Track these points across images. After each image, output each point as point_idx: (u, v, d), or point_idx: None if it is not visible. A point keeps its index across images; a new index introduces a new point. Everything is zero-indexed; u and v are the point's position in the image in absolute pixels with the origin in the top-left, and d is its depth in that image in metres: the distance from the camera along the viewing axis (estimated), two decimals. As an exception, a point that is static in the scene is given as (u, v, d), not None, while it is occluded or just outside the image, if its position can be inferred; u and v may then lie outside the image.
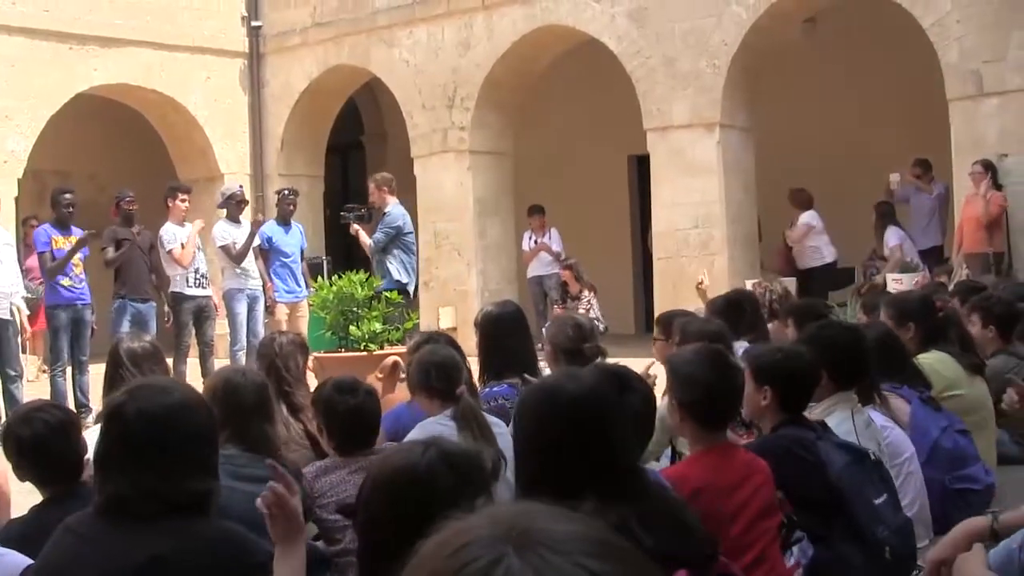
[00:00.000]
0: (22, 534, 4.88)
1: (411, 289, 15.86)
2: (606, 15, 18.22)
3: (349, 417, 5.74)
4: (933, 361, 7.83)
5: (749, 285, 12.95)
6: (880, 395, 6.71)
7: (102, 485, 3.83)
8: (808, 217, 18.04)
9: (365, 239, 15.80)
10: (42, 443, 5.16)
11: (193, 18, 21.46)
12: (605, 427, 3.83)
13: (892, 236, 17.27)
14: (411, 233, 15.98)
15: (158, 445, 3.76)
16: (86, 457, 5.06)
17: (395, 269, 15.41)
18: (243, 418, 5.55)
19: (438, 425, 6.00)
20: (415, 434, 5.90)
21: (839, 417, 6.07)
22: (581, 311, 18.30)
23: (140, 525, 3.72)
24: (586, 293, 18.66)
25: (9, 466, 5.41)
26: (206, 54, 21.67)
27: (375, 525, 3.34)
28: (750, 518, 4.92)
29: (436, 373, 6.39)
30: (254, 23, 22.22)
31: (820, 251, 18.00)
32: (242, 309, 16.04)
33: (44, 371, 16.95)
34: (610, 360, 7.00)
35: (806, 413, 5.87)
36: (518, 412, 4.10)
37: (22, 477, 5.41)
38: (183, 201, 15.89)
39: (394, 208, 15.73)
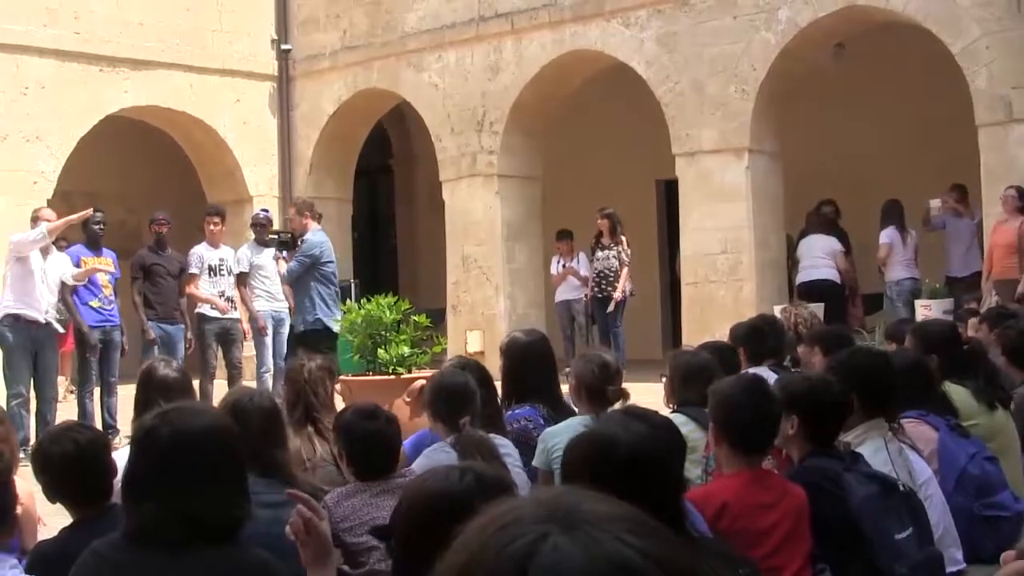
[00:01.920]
0: (49, 556, 4.87)
1: (334, 327, 14.51)
2: (635, 40, 18.23)
3: (368, 443, 5.74)
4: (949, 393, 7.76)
5: (777, 310, 12.90)
6: (898, 423, 6.66)
7: (132, 509, 3.82)
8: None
9: (281, 268, 15.41)
10: (72, 463, 5.13)
11: (223, 41, 21.54)
12: (658, 477, 3.84)
13: (884, 235, 17.21)
14: (331, 262, 15.07)
15: (190, 469, 3.74)
16: (115, 479, 5.06)
17: (317, 304, 14.76)
18: (251, 443, 5.55)
19: (442, 454, 6.01)
20: (421, 462, 5.93)
21: (873, 446, 6.03)
22: (612, 259, 18.34)
23: (169, 553, 3.69)
24: (617, 246, 18.60)
25: (38, 487, 5.41)
26: (236, 77, 21.74)
27: (411, 548, 3.32)
28: (779, 541, 4.91)
29: (443, 398, 6.42)
30: (284, 46, 22.29)
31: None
32: (267, 331, 16.05)
33: (72, 392, 16.98)
34: (632, 392, 7.03)
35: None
36: (567, 459, 4.09)
37: (51, 498, 5.37)
38: (215, 224, 15.93)
39: (313, 235, 14.99)
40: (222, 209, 16.80)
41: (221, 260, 15.78)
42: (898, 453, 6.10)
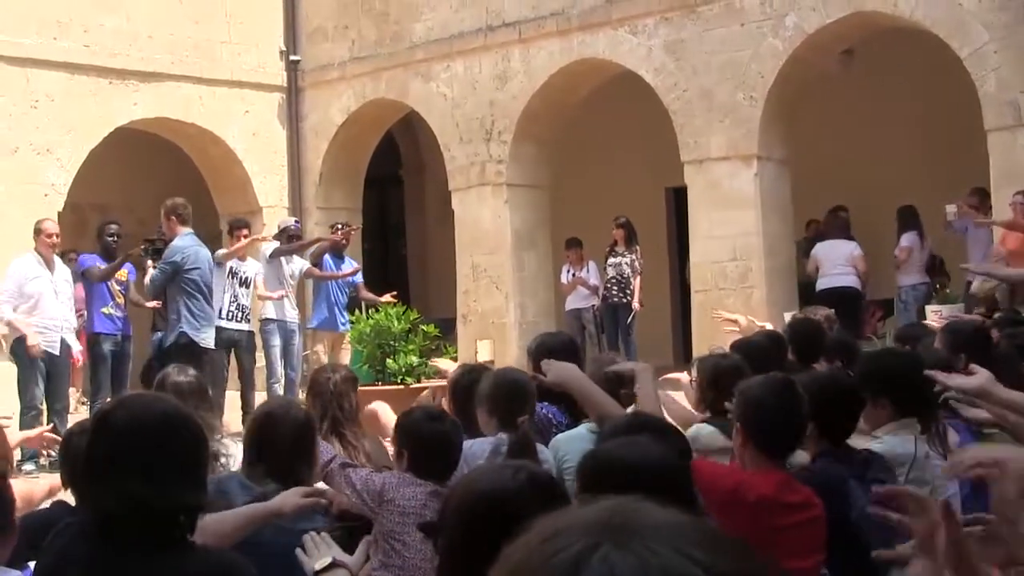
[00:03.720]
0: (34, 524, 4.96)
1: (206, 343, 13.86)
2: (643, 48, 18.24)
3: (432, 445, 5.74)
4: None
5: (788, 317, 12.89)
6: (938, 427, 6.57)
7: (88, 497, 3.81)
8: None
9: (146, 280, 14.49)
10: None
11: (232, 53, 21.57)
12: (668, 494, 3.84)
13: (905, 239, 17.28)
14: (196, 269, 13.79)
15: (147, 453, 3.71)
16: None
17: (183, 316, 13.69)
18: (280, 454, 5.55)
19: (483, 448, 6.01)
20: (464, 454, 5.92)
21: (901, 438, 6.03)
22: (625, 266, 18.41)
23: (138, 553, 3.65)
24: (631, 254, 18.67)
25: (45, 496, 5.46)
26: (245, 88, 21.77)
27: (461, 545, 3.28)
28: (797, 547, 4.91)
29: (507, 394, 6.41)
30: (292, 57, 22.31)
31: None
32: (277, 341, 16.09)
33: (83, 403, 17.01)
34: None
35: (867, 441, 5.85)
36: (579, 480, 4.10)
37: (65, 485, 5.57)
38: (245, 236, 15.99)
39: (179, 240, 13.85)
40: (249, 221, 16.90)
41: (238, 269, 15.82)
42: (924, 456, 6.07)
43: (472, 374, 7.24)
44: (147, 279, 14.19)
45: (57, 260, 14.41)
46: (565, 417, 7.32)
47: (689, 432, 6.74)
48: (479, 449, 6.13)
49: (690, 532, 1.51)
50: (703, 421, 7.06)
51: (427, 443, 5.77)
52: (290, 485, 5.34)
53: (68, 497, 5.71)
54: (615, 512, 1.54)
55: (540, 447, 6.46)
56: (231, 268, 15.69)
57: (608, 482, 3.85)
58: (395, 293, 16.35)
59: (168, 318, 13.96)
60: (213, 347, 13.94)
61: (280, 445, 5.58)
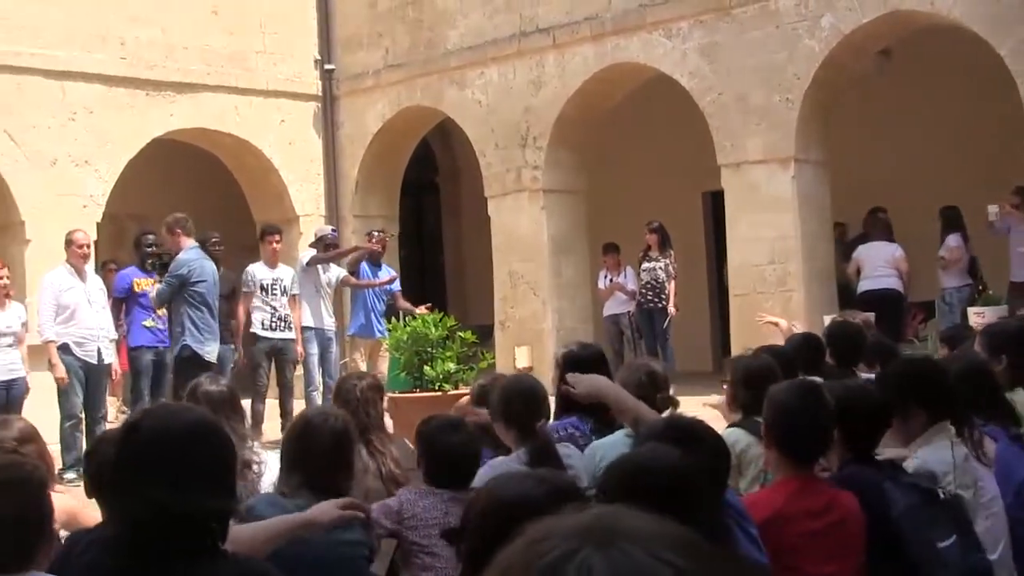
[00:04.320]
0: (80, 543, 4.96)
1: (209, 356, 13.79)
2: (677, 51, 18.18)
3: (448, 455, 5.75)
4: (1018, 401, 7.51)
5: (827, 320, 12.83)
6: (971, 432, 6.49)
7: (116, 508, 3.80)
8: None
9: (152, 293, 14.43)
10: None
11: (267, 62, 21.62)
12: (692, 503, 3.83)
13: (952, 240, 17.21)
14: (202, 282, 13.83)
15: (174, 461, 3.69)
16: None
17: (187, 329, 13.69)
18: (317, 463, 5.54)
19: (513, 466, 6.00)
20: (485, 472, 5.91)
21: (937, 445, 5.97)
22: (659, 271, 18.40)
23: (159, 567, 3.64)
24: (665, 259, 18.65)
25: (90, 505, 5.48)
26: (280, 98, 21.81)
27: (483, 553, 3.27)
28: (829, 550, 4.87)
29: (518, 402, 6.41)
30: (327, 66, 22.34)
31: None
32: (314, 349, 16.12)
33: (123, 412, 17.05)
34: (683, 404, 7.00)
35: (907, 449, 5.81)
36: (604, 484, 4.08)
37: (89, 494, 5.58)
38: (277, 243, 16.05)
39: (185, 254, 13.89)
40: (281, 228, 16.93)
41: (275, 279, 15.87)
42: (963, 459, 6.00)
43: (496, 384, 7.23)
44: (153, 292, 14.13)
45: (89, 270, 14.47)
46: (588, 427, 7.28)
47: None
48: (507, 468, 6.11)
49: (667, 538, 1.59)
50: (733, 424, 7.03)
51: (442, 453, 5.78)
52: (328, 495, 5.33)
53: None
54: (599, 519, 1.62)
55: (566, 450, 6.45)
56: (267, 283, 15.74)
57: (625, 488, 3.84)
58: (431, 305, 16.33)
59: (172, 331, 13.92)
60: (215, 360, 13.83)
61: (318, 454, 5.57)
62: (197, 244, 14.02)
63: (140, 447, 3.77)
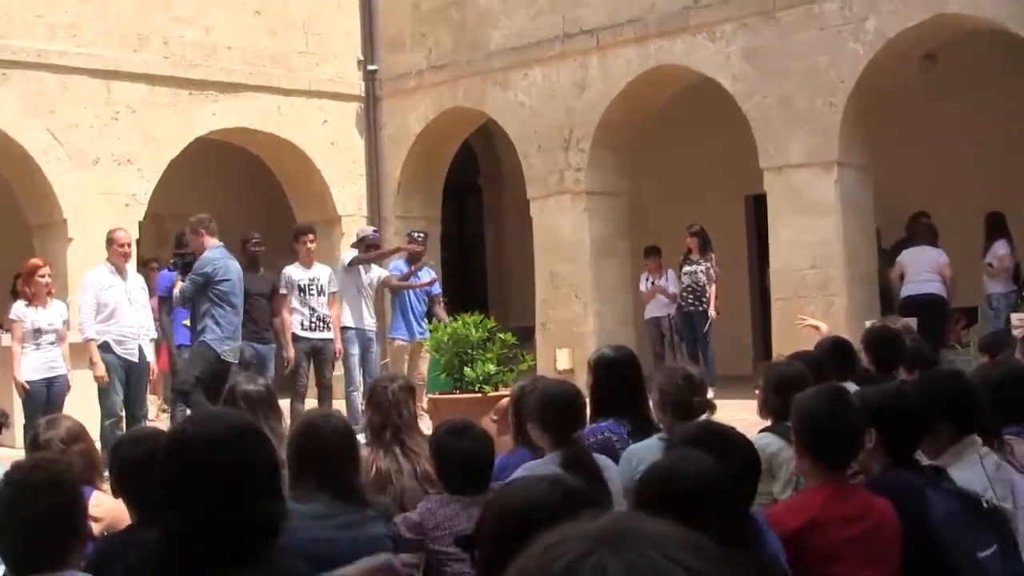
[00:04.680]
0: (112, 550, 5.01)
1: (227, 355, 13.72)
2: (721, 54, 18.12)
3: (459, 461, 5.74)
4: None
5: (868, 325, 12.76)
6: (1000, 439, 6.46)
7: (166, 517, 3.80)
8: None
9: (175, 291, 14.39)
10: (142, 465, 5.23)
11: (310, 63, 21.66)
12: (721, 508, 3.82)
13: (1000, 246, 17.10)
14: (227, 281, 13.77)
15: (222, 470, 3.69)
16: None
17: (208, 327, 13.65)
18: (327, 464, 5.53)
19: (545, 469, 5.99)
20: (520, 475, 5.89)
21: (968, 462, 5.91)
22: (700, 274, 18.35)
23: (205, 570, 3.65)
24: (706, 262, 18.60)
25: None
26: (323, 98, 21.85)
27: (496, 558, 3.26)
28: (862, 556, 4.83)
29: (556, 409, 6.39)
30: (370, 67, 22.36)
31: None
32: (355, 350, 16.13)
33: (164, 411, 17.11)
34: (720, 409, 6.97)
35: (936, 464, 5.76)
36: (638, 488, 4.07)
37: (116, 494, 5.62)
38: (311, 243, 16.06)
39: (210, 252, 13.84)
40: (315, 228, 16.95)
41: (311, 280, 15.88)
42: (995, 468, 5.94)
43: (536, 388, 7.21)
44: (176, 290, 14.11)
45: (130, 268, 14.50)
46: (625, 430, 7.26)
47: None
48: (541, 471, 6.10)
49: (681, 540, 1.61)
50: (764, 429, 7.00)
51: (451, 460, 5.78)
52: (344, 494, 5.34)
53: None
54: (615, 523, 1.65)
55: (602, 459, 6.43)
56: (304, 284, 15.77)
57: (658, 492, 3.82)
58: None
59: (194, 327, 13.88)
60: (234, 360, 13.78)
61: (327, 454, 5.55)
62: (221, 244, 13.97)
63: (187, 457, 3.77)
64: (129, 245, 14.52)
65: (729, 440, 4.76)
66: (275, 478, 3.88)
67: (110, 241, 14.33)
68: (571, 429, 6.34)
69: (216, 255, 13.78)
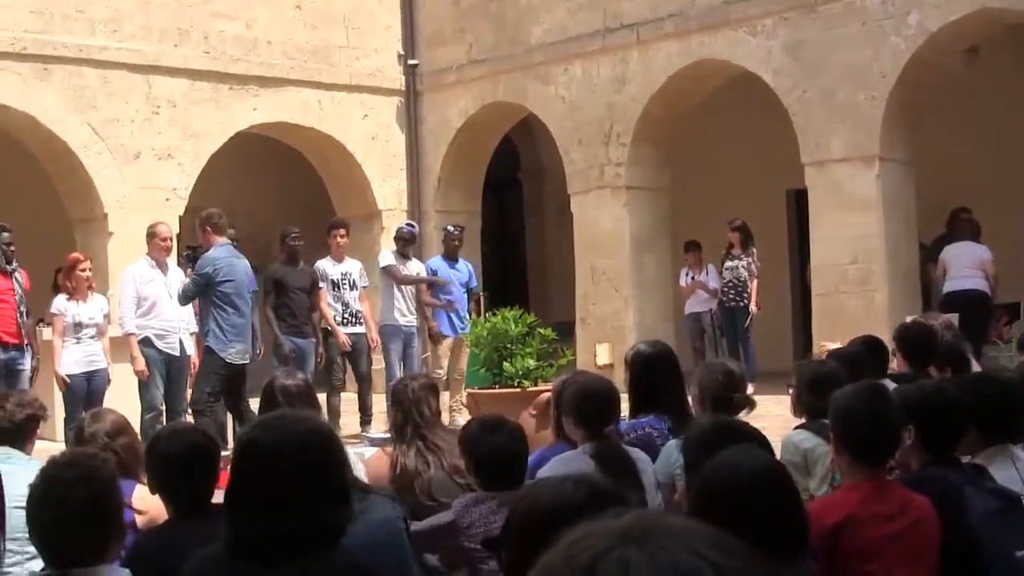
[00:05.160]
0: (149, 548, 5.10)
1: (233, 359, 13.28)
2: (762, 48, 18.06)
3: (491, 456, 5.73)
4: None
5: (909, 321, 12.68)
6: None
7: (233, 518, 3.81)
8: None
9: (178, 290, 13.97)
10: (179, 462, 5.31)
11: (350, 57, 21.70)
12: (778, 501, 3.80)
13: None
14: (230, 282, 13.24)
15: (293, 477, 3.72)
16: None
17: (211, 331, 13.21)
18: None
19: (577, 460, 6.01)
20: (554, 466, 5.89)
21: (999, 466, 5.87)
22: (741, 269, 18.28)
23: (264, 564, 3.68)
24: (748, 257, 18.51)
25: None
26: (363, 92, 21.88)
27: (522, 559, 3.25)
28: (900, 554, 4.80)
29: (590, 403, 6.39)
30: (411, 61, 22.38)
31: None
32: (395, 345, 16.12)
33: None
34: (762, 403, 6.95)
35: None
36: (695, 486, 4.05)
37: (153, 489, 5.60)
38: (342, 237, 16.04)
39: (213, 251, 13.38)
40: (347, 222, 16.92)
41: (344, 274, 15.87)
42: None
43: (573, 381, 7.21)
44: (179, 289, 13.79)
45: (171, 263, 14.52)
46: (666, 425, 7.24)
47: (785, 439, 6.69)
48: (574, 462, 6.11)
49: (702, 535, 1.63)
50: (800, 426, 6.97)
51: (483, 455, 5.77)
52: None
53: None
54: (638, 520, 1.66)
55: (636, 452, 6.43)
56: (336, 278, 15.77)
57: (721, 490, 3.80)
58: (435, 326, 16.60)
59: (200, 330, 13.57)
60: (242, 362, 13.50)
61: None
62: (228, 242, 13.60)
63: (256, 462, 3.82)
64: (170, 239, 14.55)
65: (746, 437, 4.75)
66: (342, 483, 3.90)
67: (151, 235, 14.36)
68: (605, 423, 6.34)
69: (219, 254, 13.33)
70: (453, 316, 16.62)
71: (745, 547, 1.64)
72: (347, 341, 15.59)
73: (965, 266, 17.16)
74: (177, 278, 14.34)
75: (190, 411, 13.67)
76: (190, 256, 14.09)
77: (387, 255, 16.59)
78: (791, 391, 7.49)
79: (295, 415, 4.26)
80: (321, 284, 15.62)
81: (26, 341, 13.95)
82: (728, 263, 18.73)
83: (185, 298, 13.56)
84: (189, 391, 13.98)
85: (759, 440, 4.82)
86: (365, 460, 7.47)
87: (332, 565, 3.75)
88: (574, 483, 3.39)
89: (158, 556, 4.90)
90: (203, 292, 13.25)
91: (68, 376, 13.67)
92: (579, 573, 1.58)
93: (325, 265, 15.88)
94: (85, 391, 13.68)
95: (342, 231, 16.20)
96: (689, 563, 1.56)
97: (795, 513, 3.89)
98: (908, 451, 5.50)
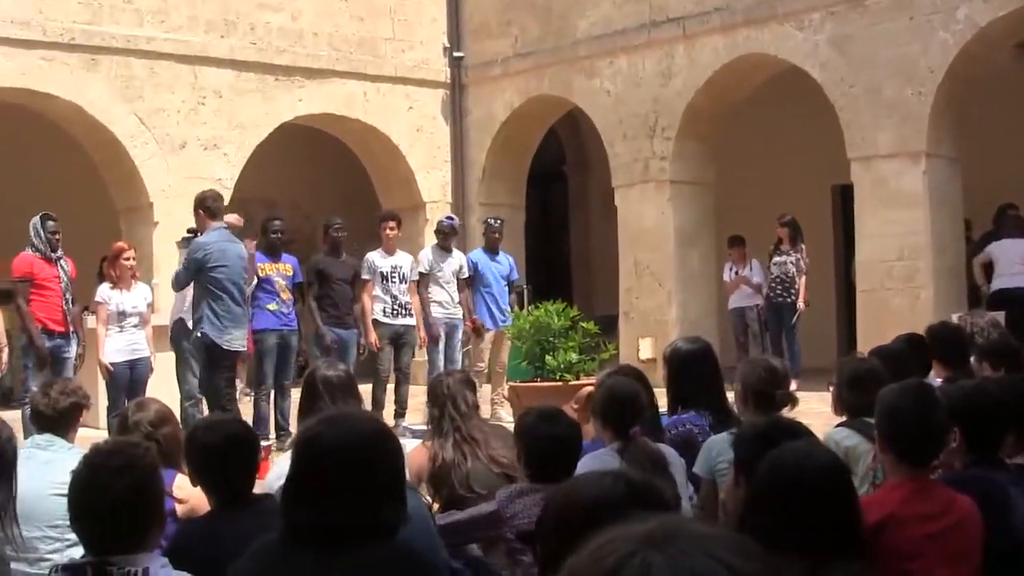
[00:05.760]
0: (192, 537, 5.17)
1: (231, 345, 12.88)
2: (809, 43, 17.98)
3: (547, 447, 5.74)
4: None
5: (955, 318, 12.60)
6: None
7: (290, 512, 3.82)
8: None
9: (171, 275, 13.73)
10: (218, 453, 5.35)
11: (396, 49, 21.72)
12: (843, 499, 3.80)
13: None
14: (222, 267, 12.76)
15: (353, 474, 3.74)
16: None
17: (205, 317, 12.75)
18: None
19: (607, 458, 6.03)
20: (585, 463, 5.91)
21: None
22: (790, 265, 18.20)
23: (318, 553, 3.70)
24: (796, 253, 18.41)
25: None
26: (408, 84, 21.91)
27: (557, 554, 3.23)
28: (942, 554, 4.76)
29: (615, 405, 6.42)
30: (456, 54, 22.39)
31: None
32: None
33: (247, 395, 17.18)
34: (805, 400, 6.92)
35: None
36: (758, 481, 4.04)
37: (194, 480, 5.66)
38: (391, 230, 16.04)
39: (206, 235, 12.97)
40: (398, 214, 16.91)
41: (393, 267, 15.86)
42: None
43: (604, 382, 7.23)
44: (172, 274, 13.55)
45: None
46: (707, 422, 7.23)
47: (826, 436, 6.66)
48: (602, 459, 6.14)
49: (723, 541, 1.67)
50: (841, 424, 6.93)
51: (540, 446, 5.79)
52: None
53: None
54: (661, 525, 1.70)
55: (667, 450, 6.45)
56: (386, 271, 15.76)
57: (786, 485, 3.80)
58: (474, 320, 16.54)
59: (194, 317, 13.08)
60: (240, 349, 13.18)
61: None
62: (223, 226, 13.11)
63: (315, 457, 3.82)
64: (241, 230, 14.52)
65: (797, 434, 4.73)
66: (399, 483, 3.93)
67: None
68: (629, 425, 6.37)
69: (211, 238, 12.90)
70: (494, 309, 16.62)
71: (764, 552, 1.68)
72: (376, 341, 15.58)
73: (1014, 263, 17.01)
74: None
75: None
76: (187, 239, 13.66)
77: (423, 255, 16.54)
78: (832, 389, 7.45)
79: (358, 413, 4.30)
80: (367, 276, 15.62)
81: (72, 329, 13.99)
82: (776, 258, 18.65)
83: (177, 284, 13.24)
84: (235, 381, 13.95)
85: (811, 438, 4.81)
86: (406, 453, 7.51)
87: (387, 555, 3.76)
88: (613, 478, 3.38)
89: (199, 546, 4.93)
90: (194, 278, 12.85)
91: (111, 364, 13.73)
92: (605, 572, 1.61)
93: (375, 257, 15.86)
94: (128, 379, 13.74)
95: (392, 223, 16.15)
96: (708, 567, 1.60)
97: (853, 511, 3.88)
98: (953, 452, 5.46)
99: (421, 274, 16.06)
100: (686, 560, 1.60)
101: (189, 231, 13.81)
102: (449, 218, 17.37)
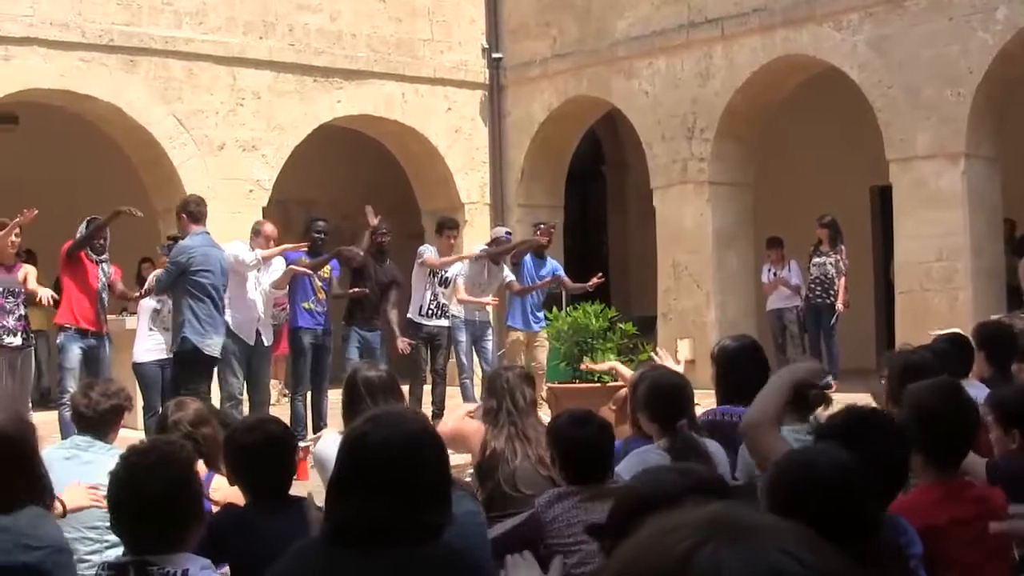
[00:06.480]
0: (225, 525, 5.26)
1: (211, 350, 12.83)
2: (847, 44, 17.93)
3: (579, 449, 5.75)
4: None
5: (987, 321, 12.55)
6: None
7: (334, 511, 3.84)
8: None
9: (150, 279, 13.79)
10: (256, 453, 5.42)
11: (434, 51, 21.75)
12: (854, 503, 3.77)
13: None
14: (206, 271, 12.76)
15: (398, 474, 3.74)
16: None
17: (187, 321, 12.68)
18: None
19: (652, 454, 6.03)
20: (631, 460, 5.91)
21: None
22: (829, 266, 18.16)
23: (360, 551, 3.69)
24: (836, 254, 18.36)
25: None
26: (447, 86, 21.94)
27: None
28: (979, 556, 4.74)
29: (662, 399, 6.42)
30: (495, 55, 22.40)
31: None
32: (463, 337, 16.14)
33: (285, 395, 17.25)
34: (838, 403, 6.89)
35: None
36: (770, 481, 4.04)
37: (231, 480, 5.75)
38: (454, 238, 16.17)
39: (188, 239, 12.94)
40: (458, 221, 17.12)
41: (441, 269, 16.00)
42: None
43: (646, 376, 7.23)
44: (151, 278, 13.59)
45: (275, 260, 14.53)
46: None
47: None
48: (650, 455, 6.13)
49: (793, 534, 1.59)
50: None
51: (571, 448, 5.78)
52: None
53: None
54: (723, 512, 1.63)
55: (710, 443, 6.44)
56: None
57: (793, 486, 3.78)
58: (600, 275, 16.56)
59: (175, 321, 13.04)
60: (219, 355, 13.10)
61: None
62: (205, 231, 13.12)
63: (363, 457, 3.82)
64: (274, 240, 14.55)
65: (878, 425, 4.65)
66: (444, 484, 3.92)
67: (256, 232, 14.43)
68: (676, 417, 6.35)
69: (193, 243, 12.88)
70: (529, 311, 16.66)
71: (831, 546, 1.62)
72: (406, 347, 15.61)
73: None
74: (275, 271, 14.37)
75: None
76: (170, 247, 13.63)
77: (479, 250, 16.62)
78: (883, 382, 7.42)
79: (405, 413, 4.29)
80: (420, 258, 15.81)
81: (106, 330, 14.02)
82: (816, 259, 18.61)
83: (159, 288, 13.20)
84: (274, 382, 13.99)
85: (896, 428, 4.71)
86: (458, 416, 7.55)
87: (430, 554, 3.76)
88: (679, 473, 3.41)
89: (237, 539, 4.96)
90: (176, 282, 12.81)
91: (142, 363, 13.74)
92: (674, 562, 1.55)
93: (429, 252, 16.03)
94: (160, 378, 13.72)
95: (456, 233, 16.36)
96: (779, 562, 1.54)
97: (865, 513, 3.85)
98: (1011, 454, 5.44)
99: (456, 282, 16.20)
100: (757, 555, 1.54)
101: (171, 237, 13.82)
102: (508, 233, 17.35)
